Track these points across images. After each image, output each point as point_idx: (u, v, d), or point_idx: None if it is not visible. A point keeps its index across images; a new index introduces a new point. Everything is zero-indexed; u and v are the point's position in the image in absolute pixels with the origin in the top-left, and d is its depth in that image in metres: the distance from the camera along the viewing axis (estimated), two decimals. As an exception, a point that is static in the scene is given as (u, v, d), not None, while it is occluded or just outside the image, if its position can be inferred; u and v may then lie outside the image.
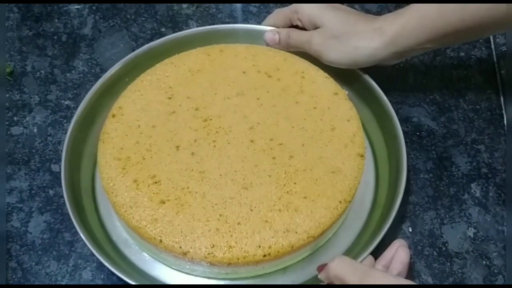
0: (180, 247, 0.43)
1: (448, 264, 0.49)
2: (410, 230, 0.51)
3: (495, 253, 0.49)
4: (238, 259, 0.43)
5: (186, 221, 0.44)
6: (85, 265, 0.48)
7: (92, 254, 0.49)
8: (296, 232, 0.44)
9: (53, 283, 0.47)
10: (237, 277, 0.47)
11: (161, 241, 0.43)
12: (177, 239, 0.43)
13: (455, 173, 0.55)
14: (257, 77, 0.54)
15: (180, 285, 0.47)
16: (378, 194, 0.52)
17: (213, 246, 0.43)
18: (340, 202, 0.46)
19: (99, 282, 0.48)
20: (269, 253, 0.43)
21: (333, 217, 0.45)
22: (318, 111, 0.52)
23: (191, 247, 0.43)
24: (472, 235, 0.51)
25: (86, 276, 0.48)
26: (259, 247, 0.43)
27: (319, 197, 0.46)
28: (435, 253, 0.49)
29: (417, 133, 0.57)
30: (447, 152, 0.56)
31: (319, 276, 0.42)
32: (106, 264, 0.44)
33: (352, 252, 0.48)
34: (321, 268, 0.41)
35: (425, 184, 0.54)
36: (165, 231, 0.44)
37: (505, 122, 0.58)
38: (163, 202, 0.45)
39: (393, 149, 0.52)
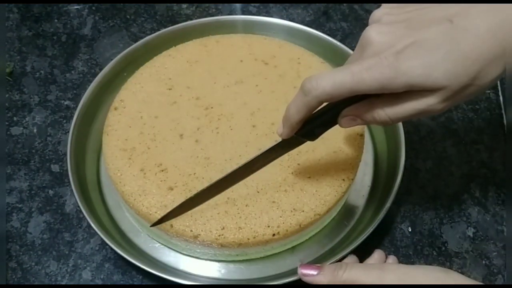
0: (191, 231, 0.44)
1: (448, 263, 0.49)
2: (410, 230, 0.51)
3: (494, 253, 0.50)
4: (248, 239, 0.43)
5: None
6: (85, 265, 0.48)
7: (92, 254, 0.49)
8: (303, 211, 0.45)
9: (53, 283, 0.47)
10: (246, 258, 0.47)
11: (172, 226, 0.44)
12: (187, 223, 0.44)
13: (454, 173, 0.55)
14: (254, 65, 0.55)
15: (182, 285, 0.47)
16: (378, 173, 0.53)
17: (223, 228, 0.44)
18: (344, 180, 0.47)
19: (99, 282, 0.48)
20: (278, 232, 0.44)
21: (338, 194, 0.46)
22: None
23: (201, 230, 0.44)
24: (471, 235, 0.51)
25: (86, 276, 0.48)
26: (268, 226, 0.44)
27: (323, 176, 0.47)
28: (434, 253, 0.49)
29: (417, 133, 0.57)
30: (447, 152, 0.56)
31: (307, 279, 0.39)
32: (118, 251, 0.44)
33: (356, 229, 0.49)
34: (307, 268, 0.40)
35: (424, 183, 0.54)
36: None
37: (504, 122, 0.58)
38: (171, 188, 0.46)
39: (390, 129, 0.53)
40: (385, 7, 0.35)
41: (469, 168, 0.55)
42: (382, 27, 0.33)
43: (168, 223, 0.44)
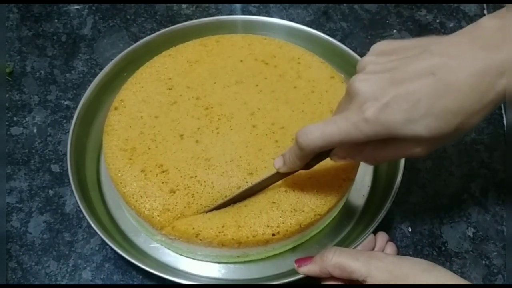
0: (193, 228, 0.44)
1: (448, 263, 0.49)
2: (410, 230, 0.51)
3: (494, 253, 0.50)
4: (247, 238, 0.44)
5: (196, 211, 0.45)
6: (85, 265, 0.48)
7: (92, 254, 0.49)
8: (303, 211, 0.45)
9: (53, 283, 0.47)
10: (247, 259, 0.47)
11: (173, 226, 0.44)
12: (189, 222, 0.44)
13: (454, 173, 0.55)
14: (255, 65, 0.55)
15: (182, 285, 0.47)
16: (378, 173, 0.53)
17: (223, 225, 0.44)
18: (344, 180, 0.47)
19: (99, 282, 0.48)
20: (278, 232, 0.44)
21: (338, 194, 0.46)
22: (316, 94, 0.53)
23: (202, 228, 0.44)
24: (471, 235, 0.51)
25: (86, 276, 0.48)
26: (268, 226, 0.44)
27: (323, 176, 0.47)
28: (434, 253, 0.49)
29: (417, 133, 0.57)
30: (447, 152, 0.56)
31: (302, 269, 0.41)
32: (118, 251, 0.44)
33: (357, 229, 0.49)
34: (302, 261, 0.41)
35: (424, 183, 0.54)
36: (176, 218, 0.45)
37: (504, 122, 0.58)
38: (173, 191, 0.46)
39: None
40: (371, 54, 0.36)
41: (469, 168, 0.55)
42: (366, 77, 0.34)
43: (170, 224, 0.45)
